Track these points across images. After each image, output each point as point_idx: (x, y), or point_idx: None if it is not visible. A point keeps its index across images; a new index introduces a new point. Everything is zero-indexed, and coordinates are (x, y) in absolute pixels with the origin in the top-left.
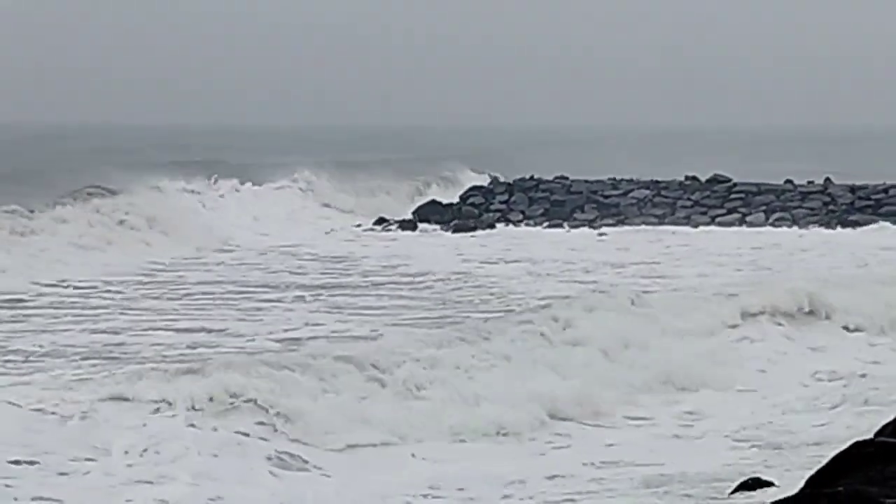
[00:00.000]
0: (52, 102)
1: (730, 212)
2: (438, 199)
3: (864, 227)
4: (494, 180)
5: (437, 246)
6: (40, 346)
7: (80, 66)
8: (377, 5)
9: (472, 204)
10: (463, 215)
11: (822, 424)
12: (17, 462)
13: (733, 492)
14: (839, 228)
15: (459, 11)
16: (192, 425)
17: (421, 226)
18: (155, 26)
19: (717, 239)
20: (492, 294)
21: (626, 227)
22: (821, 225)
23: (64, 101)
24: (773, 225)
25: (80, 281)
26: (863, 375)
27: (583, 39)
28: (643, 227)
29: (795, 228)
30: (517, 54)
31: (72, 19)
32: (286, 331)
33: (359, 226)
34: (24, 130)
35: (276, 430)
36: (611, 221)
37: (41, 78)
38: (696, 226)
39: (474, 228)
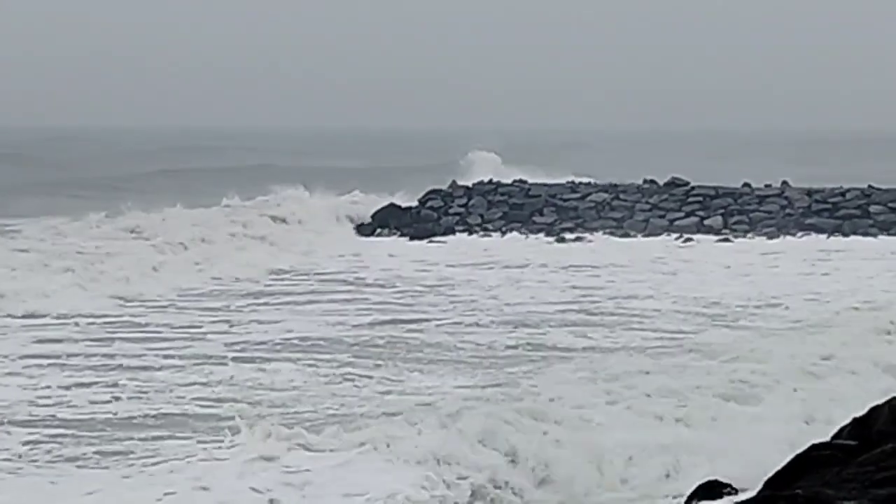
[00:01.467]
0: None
1: (688, 215)
2: (398, 202)
3: None
4: (453, 183)
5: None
6: None
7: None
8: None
9: (430, 207)
10: (422, 219)
11: None
12: None
13: (692, 494)
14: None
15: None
16: None
17: (378, 231)
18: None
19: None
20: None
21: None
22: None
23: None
24: (730, 229)
25: None
26: None
27: (543, 45)
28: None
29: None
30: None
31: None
32: None
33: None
34: (37, 133)
35: None
36: (569, 225)
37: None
38: (649, 232)
39: (433, 234)
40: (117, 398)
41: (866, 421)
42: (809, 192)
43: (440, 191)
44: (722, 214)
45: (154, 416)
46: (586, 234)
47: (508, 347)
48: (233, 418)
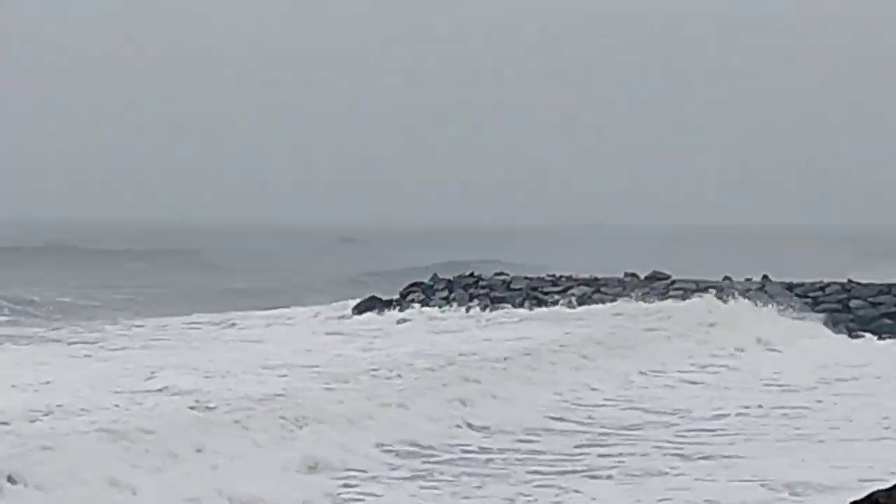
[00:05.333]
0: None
1: None
2: (379, 294)
3: None
4: (434, 276)
5: None
6: None
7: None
8: None
9: (412, 300)
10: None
11: None
12: None
13: None
14: None
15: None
16: None
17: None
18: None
19: None
20: None
21: None
22: None
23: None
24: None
25: None
26: None
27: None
28: None
29: None
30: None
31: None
32: None
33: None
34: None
35: None
36: None
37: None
38: None
39: None
40: None
41: None
42: (790, 286)
43: (421, 283)
44: None
45: None
46: None
47: None
48: None
